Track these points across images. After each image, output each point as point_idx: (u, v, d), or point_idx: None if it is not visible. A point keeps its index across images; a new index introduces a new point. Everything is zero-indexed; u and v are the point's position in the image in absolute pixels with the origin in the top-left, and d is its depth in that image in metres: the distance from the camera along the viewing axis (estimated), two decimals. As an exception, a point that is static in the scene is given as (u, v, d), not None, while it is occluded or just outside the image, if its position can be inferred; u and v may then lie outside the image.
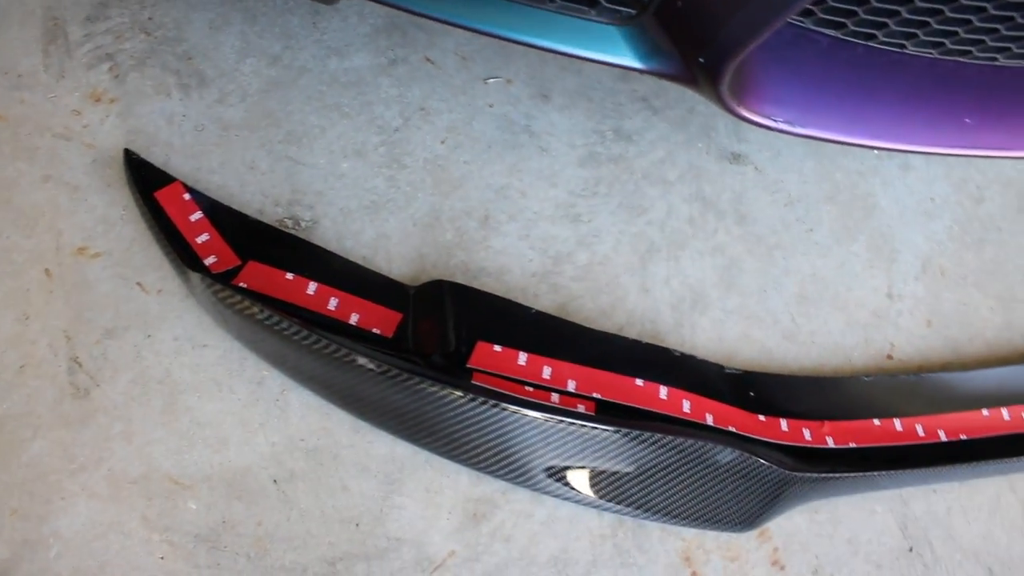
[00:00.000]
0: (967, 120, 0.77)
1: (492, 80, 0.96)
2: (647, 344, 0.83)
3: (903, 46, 0.72)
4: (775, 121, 0.71)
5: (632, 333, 0.87)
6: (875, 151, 0.98)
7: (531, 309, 0.83)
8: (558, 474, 0.77)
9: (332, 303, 0.81)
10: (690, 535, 0.82)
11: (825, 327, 0.90)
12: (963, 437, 0.87)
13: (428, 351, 0.79)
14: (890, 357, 0.91)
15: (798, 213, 0.94)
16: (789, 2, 0.57)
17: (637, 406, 0.79)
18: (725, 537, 0.82)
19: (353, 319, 0.80)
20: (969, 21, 0.67)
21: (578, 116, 0.95)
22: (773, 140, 0.96)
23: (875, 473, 0.82)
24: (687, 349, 0.86)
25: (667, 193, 0.92)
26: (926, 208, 0.98)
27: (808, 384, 0.86)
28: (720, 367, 0.85)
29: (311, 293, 0.81)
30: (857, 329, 0.91)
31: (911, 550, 0.86)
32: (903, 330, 0.92)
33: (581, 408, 0.77)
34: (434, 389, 0.73)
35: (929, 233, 0.98)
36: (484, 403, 0.73)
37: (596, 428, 0.75)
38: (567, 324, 0.83)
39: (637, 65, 0.67)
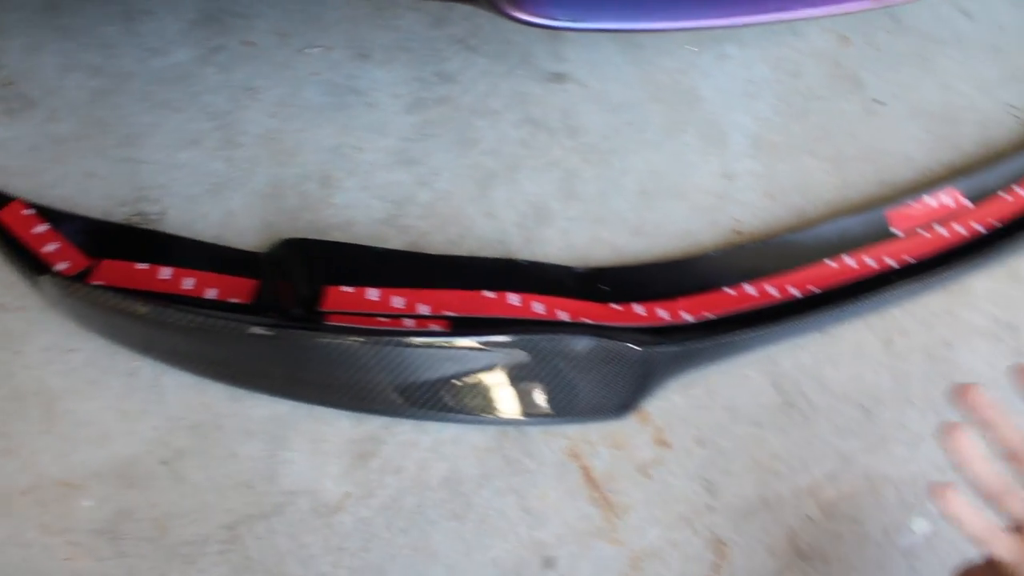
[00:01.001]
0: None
1: (312, 50, 1.04)
2: (492, 259, 0.91)
3: None
4: (558, 20, 0.79)
5: (486, 256, 0.94)
6: (693, 49, 1.07)
7: (375, 248, 0.90)
8: (428, 397, 0.83)
9: (188, 283, 0.88)
10: (573, 432, 0.89)
11: (670, 217, 0.99)
12: (814, 289, 0.95)
13: (286, 307, 0.86)
14: (737, 232, 1.00)
15: (626, 117, 1.03)
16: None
17: (489, 316, 0.85)
18: (607, 427, 0.90)
19: (211, 294, 0.87)
20: None
21: (399, 68, 1.04)
22: (592, 54, 1.05)
23: (733, 336, 0.89)
24: (551, 263, 0.96)
25: (496, 122, 1.00)
26: (748, 91, 1.08)
27: (657, 269, 0.94)
28: (569, 268, 0.93)
29: (166, 278, 0.88)
30: (701, 213, 1.00)
31: (787, 404, 0.94)
32: (746, 206, 1.01)
33: (435, 328, 0.83)
34: (289, 337, 0.79)
35: (755, 113, 1.07)
36: (339, 340, 0.80)
37: (450, 344, 0.81)
38: (412, 255, 0.91)
39: None
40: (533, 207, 0.98)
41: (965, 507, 0.64)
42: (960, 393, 0.63)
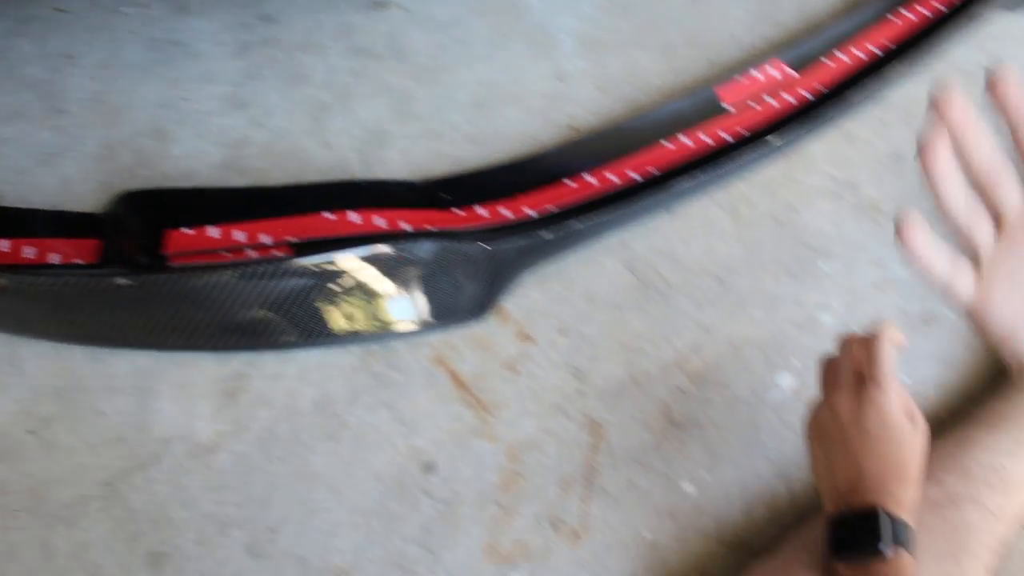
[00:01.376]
0: None
1: (128, 9, 1.05)
2: (331, 182, 0.93)
3: None
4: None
5: (331, 189, 0.96)
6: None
7: (211, 188, 0.92)
8: (285, 325, 0.85)
9: (29, 252, 0.88)
10: (436, 340, 0.93)
11: (506, 123, 1.02)
12: (654, 171, 0.99)
13: (131, 258, 0.87)
14: (573, 129, 1.04)
15: (453, 35, 1.06)
16: None
17: (331, 236, 0.87)
18: (469, 331, 0.93)
19: (54, 259, 0.87)
20: None
21: (220, 16, 1.05)
22: (411, -22, 1.08)
23: (577, 223, 0.92)
24: (390, 179, 1.00)
25: (324, 56, 1.03)
26: (570, -6, 1.11)
27: (496, 171, 0.98)
28: (410, 182, 0.95)
29: (5, 250, 0.87)
30: (536, 115, 1.04)
31: (644, 284, 0.98)
32: (579, 103, 1.05)
33: (278, 255, 0.85)
34: (130, 282, 0.80)
35: (580, 15, 1.11)
36: (182, 278, 0.82)
37: (296, 266, 0.83)
38: (249, 189, 0.93)
39: None
40: (370, 132, 1.01)
41: (927, 244, 0.73)
42: (938, 104, 0.70)
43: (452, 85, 1.05)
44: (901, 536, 0.70)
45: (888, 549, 0.69)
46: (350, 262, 0.87)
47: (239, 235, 0.88)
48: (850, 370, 0.78)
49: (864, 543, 0.71)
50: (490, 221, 0.94)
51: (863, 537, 0.71)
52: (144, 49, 1.04)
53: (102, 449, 0.84)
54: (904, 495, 0.73)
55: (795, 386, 0.98)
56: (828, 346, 0.95)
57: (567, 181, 0.99)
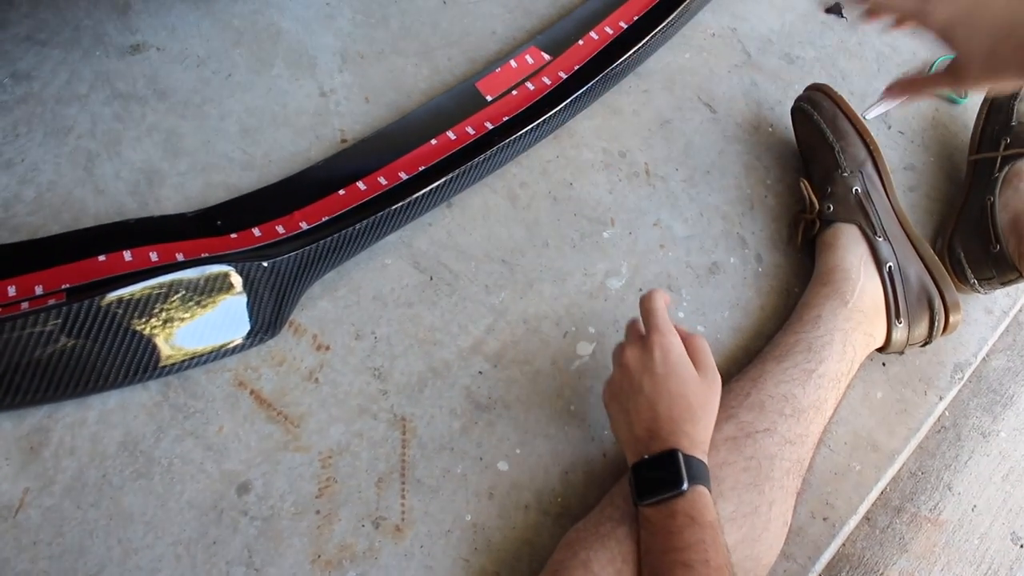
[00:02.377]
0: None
1: None
2: (102, 225, 0.98)
3: None
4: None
5: (103, 232, 1.01)
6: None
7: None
8: (70, 370, 0.89)
9: None
10: (233, 363, 0.98)
11: (276, 145, 1.09)
12: (422, 168, 1.06)
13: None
14: (344, 140, 1.11)
15: (213, 67, 1.12)
16: None
17: (103, 278, 0.92)
18: (265, 349, 0.99)
19: None
20: None
21: (-28, 81, 1.08)
22: (164, 19, 1.14)
23: (350, 228, 0.98)
24: (162, 215, 1.05)
25: (85, 105, 1.07)
26: (325, 13, 1.19)
27: (268, 191, 1.04)
28: (182, 214, 1.01)
29: None
30: (305, 132, 1.11)
31: (431, 279, 1.05)
32: (346, 115, 1.13)
33: (52, 302, 0.89)
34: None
35: (336, 31, 1.19)
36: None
37: (71, 312, 0.87)
38: (20, 244, 0.97)
39: None
40: (142, 173, 1.06)
41: None
42: None
43: (218, 116, 1.11)
44: (695, 472, 0.80)
45: (684, 485, 0.78)
46: (126, 298, 0.92)
47: (11, 290, 0.92)
48: (634, 331, 0.92)
49: (663, 483, 0.80)
50: (267, 239, 0.99)
51: (662, 478, 0.81)
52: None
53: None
54: (697, 434, 0.83)
55: (594, 351, 1.06)
56: (621, 309, 1.05)
57: (339, 192, 1.04)
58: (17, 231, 1.03)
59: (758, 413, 0.94)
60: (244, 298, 0.97)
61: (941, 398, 1.13)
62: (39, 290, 0.93)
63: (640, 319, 0.91)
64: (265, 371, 0.99)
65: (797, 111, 1.24)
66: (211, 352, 0.98)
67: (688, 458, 0.79)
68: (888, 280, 1.07)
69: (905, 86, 0.98)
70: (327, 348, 1.02)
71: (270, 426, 0.96)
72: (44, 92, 1.11)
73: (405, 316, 1.05)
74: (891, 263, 1.08)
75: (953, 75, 0.91)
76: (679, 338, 0.88)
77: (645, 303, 0.89)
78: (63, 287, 0.93)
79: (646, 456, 0.81)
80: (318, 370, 1.00)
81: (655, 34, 1.25)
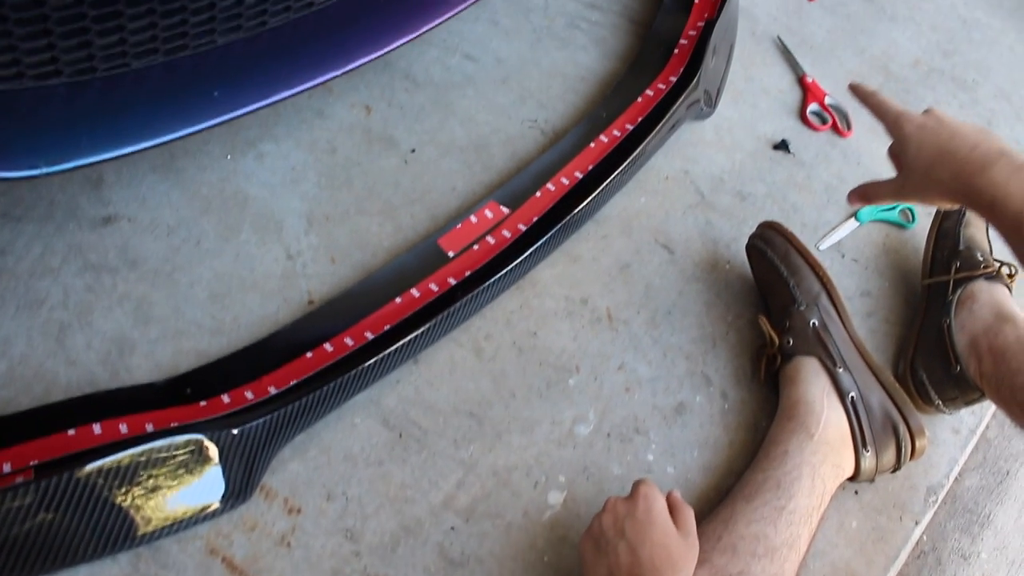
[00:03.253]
0: (215, 93, 1.01)
1: None
2: (70, 399, 1.01)
3: (127, 66, 0.95)
4: (39, 169, 0.91)
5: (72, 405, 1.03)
6: (227, 156, 1.23)
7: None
8: (45, 548, 0.90)
9: None
10: (205, 530, 1.00)
11: (245, 309, 1.13)
12: (387, 327, 1.10)
13: None
14: (311, 302, 1.15)
15: (182, 236, 1.17)
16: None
17: (71, 453, 0.94)
18: (236, 514, 1.01)
19: None
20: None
21: (-54, 257, 1.12)
22: (135, 191, 1.19)
23: (318, 391, 1.02)
24: (131, 385, 1.09)
25: (58, 278, 1.11)
26: (291, 178, 1.25)
27: (235, 358, 1.07)
28: (151, 383, 1.03)
29: None
30: (273, 296, 1.15)
31: (401, 436, 1.08)
32: (313, 277, 1.17)
33: (20, 479, 0.91)
34: None
35: (302, 194, 1.24)
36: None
37: (42, 488, 0.89)
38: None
39: None
40: (113, 343, 1.09)
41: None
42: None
43: (187, 283, 1.15)
44: None
45: None
46: (95, 472, 0.94)
47: (-17, 470, 0.94)
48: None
49: None
50: (235, 406, 1.02)
51: None
52: None
53: None
54: None
55: (565, 500, 1.08)
56: (590, 456, 1.07)
57: (307, 354, 1.07)
58: (-10, 407, 1.05)
59: (731, 556, 0.96)
60: (216, 465, 0.99)
61: (917, 523, 1.15)
62: (7, 468, 0.95)
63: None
64: (237, 537, 1.01)
65: (751, 249, 1.29)
66: (183, 520, 1.00)
67: None
68: (851, 410, 1.10)
69: (860, 192, 1.11)
70: (299, 511, 1.03)
71: (243, 595, 0.97)
72: (18, 267, 1.14)
73: (376, 475, 1.07)
74: (853, 393, 1.12)
75: (896, 186, 1.05)
76: (663, 497, 0.93)
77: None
78: (31, 464, 0.95)
79: None
80: (290, 534, 1.02)
81: (610, 182, 1.31)
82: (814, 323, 1.16)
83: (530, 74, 1.52)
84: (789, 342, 1.16)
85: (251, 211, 1.24)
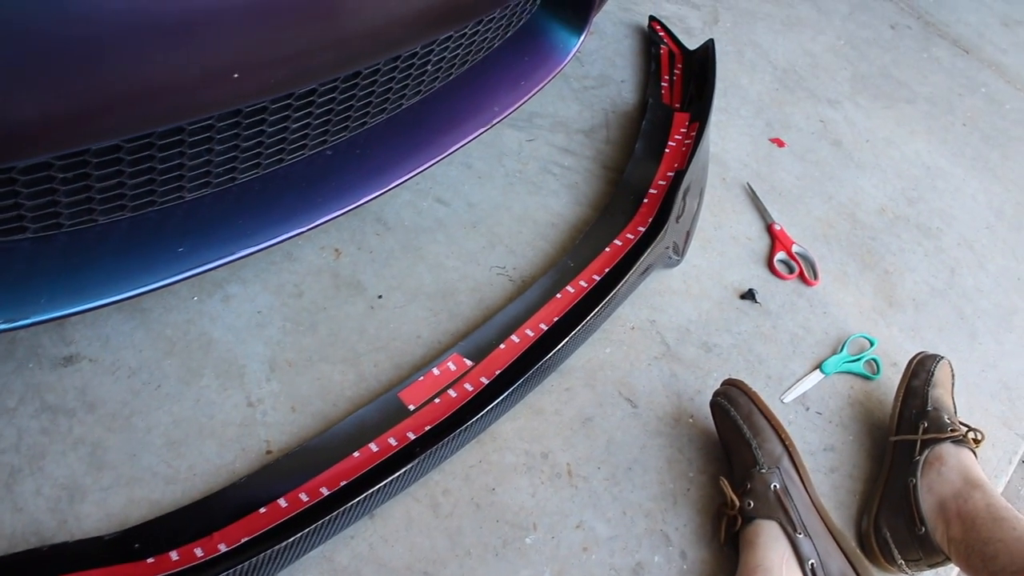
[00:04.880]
0: (180, 249, 1.04)
1: None
2: (12, 555, 1.00)
3: (94, 221, 0.98)
4: (-6, 326, 0.93)
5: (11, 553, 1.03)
6: (194, 298, 1.25)
7: None
8: None
9: None
10: None
11: (201, 458, 1.14)
12: (343, 483, 1.11)
13: None
14: (269, 452, 1.16)
15: (143, 378, 1.18)
16: None
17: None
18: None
19: None
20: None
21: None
22: (99, 330, 1.20)
23: (268, 551, 1.02)
24: (78, 539, 1.08)
25: (13, 419, 1.12)
26: (256, 321, 1.27)
27: (187, 512, 1.08)
28: (100, 537, 1.04)
29: None
30: (231, 444, 1.15)
31: (350, 598, 1.08)
32: (272, 425, 1.18)
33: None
34: None
35: (267, 339, 1.26)
36: None
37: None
38: None
39: None
40: (64, 489, 1.09)
41: None
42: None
43: (144, 428, 1.16)
44: None
45: None
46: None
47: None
48: None
49: None
50: (183, 564, 1.02)
51: None
52: None
53: None
54: None
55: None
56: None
57: (261, 509, 1.08)
58: (-73, 558, 1.04)
59: None
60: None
61: None
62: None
63: None
64: None
65: (715, 406, 1.32)
66: None
67: None
68: None
69: None
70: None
71: None
72: (-29, 408, 1.15)
73: (323, 640, 1.06)
74: (813, 560, 1.13)
75: None
76: None
77: None
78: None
79: None
80: None
81: (575, 334, 1.33)
82: (775, 486, 1.18)
83: (501, 219, 1.55)
84: (749, 504, 1.18)
85: (214, 355, 1.25)
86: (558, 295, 1.40)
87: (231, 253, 1.08)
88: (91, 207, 0.97)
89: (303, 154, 1.15)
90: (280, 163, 1.13)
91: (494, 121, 1.31)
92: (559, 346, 1.31)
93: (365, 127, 1.20)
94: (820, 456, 1.37)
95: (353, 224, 1.44)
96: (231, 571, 1.02)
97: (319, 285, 1.36)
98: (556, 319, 1.37)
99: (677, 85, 1.86)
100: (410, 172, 1.23)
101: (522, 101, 1.35)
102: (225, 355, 1.26)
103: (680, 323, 1.50)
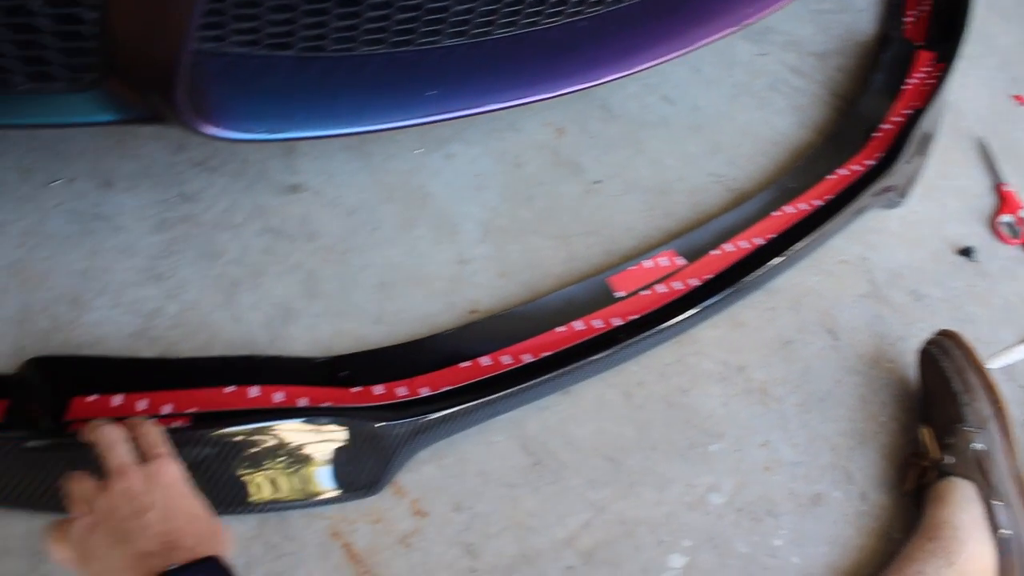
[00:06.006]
0: (431, 92, 1.05)
1: (55, 183, 1.18)
2: (233, 356, 1.05)
3: (355, 50, 1.00)
4: (254, 133, 0.96)
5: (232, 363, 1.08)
6: (417, 151, 1.27)
7: (117, 357, 1.03)
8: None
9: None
10: (332, 512, 1.03)
11: (409, 304, 1.16)
12: (545, 354, 1.12)
13: (36, 424, 0.96)
14: (474, 311, 1.18)
15: (361, 218, 1.21)
16: (185, 28, 0.82)
17: (229, 410, 0.98)
18: (364, 504, 1.04)
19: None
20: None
21: (143, 193, 1.19)
22: (324, 165, 1.23)
23: (469, 403, 1.04)
24: (289, 356, 1.12)
25: (239, 234, 1.16)
26: (475, 184, 1.28)
27: (394, 351, 1.11)
28: (309, 359, 1.07)
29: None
30: (438, 297, 1.18)
31: (537, 464, 1.10)
32: (480, 287, 1.20)
33: (178, 424, 0.95)
34: (34, 447, 0.90)
35: (483, 203, 1.27)
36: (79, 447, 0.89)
37: (194, 436, 0.93)
38: (154, 361, 1.05)
39: (112, 118, 0.90)
40: (278, 308, 1.13)
41: None
42: None
43: (358, 266, 1.19)
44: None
45: None
46: (248, 434, 0.97)
47: (141, 404, 0.98)
48: (128, 455, 0.86)
49: None
50: (386, 399, 1.05)
51: None
52: (68, 220, 1.17)
53: (-11, 612, 0.90)
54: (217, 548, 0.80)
55: (686, 566, 1.08)
56: (719, 527, 1.06)
57: (463, 363, 1.10)
58: (154, 343, 1.10)
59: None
60: (354, 451, 1.02)
61: None
62: (167, 409, 0.99)
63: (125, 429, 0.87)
64: (361, 526, 1.02)
65: (925, 355, 1.26)
66: (312, 499, 1.03)
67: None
68: (1004, 549, 1.06)
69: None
70: (425, 514, 1.05)
71: (355, 584, 0.98)
72: (204, 216, 1.19)
73: (506, 496, 1.08)
74: (1009, 531, 1.08)
75: None
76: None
77: (146, 430, 0.87)
78: (190, 411, 0.98)
79: (176, 566, 0.72)
80: (412, 535, 1.03)
81: (789, 254, 1.29)
82: (978, 447, 1.13)
83: (723, 128, 1.51)
84: (948, 459, 1.13)
85: (431, 208, 1.27)
86: (776, 213, 1.36)
87: (477, 105, 1.08)
88: (355, 35, 0.98)
89: (558, 20, 1.13)
90: (534, 25, 1.12)
91: (746, 22, 1.28)
92: (771, 263, 1.28)
93: (621, 3, 1.17)
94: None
95: (578, 106, 1.42)
96: (430, 415, 1.04)
97: (539, 159, 1.35)
98: (772, 236, 1.33)
99: (922, 21, 1.76)
100: (658, 59, 1.21)
101: (777, 6, 1.30)
102: (441, 211, 1.27)
103: (892, 266, 1.44)
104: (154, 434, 0.88)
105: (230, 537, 0.82)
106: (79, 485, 0.82)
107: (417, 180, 1.28)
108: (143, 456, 0.85)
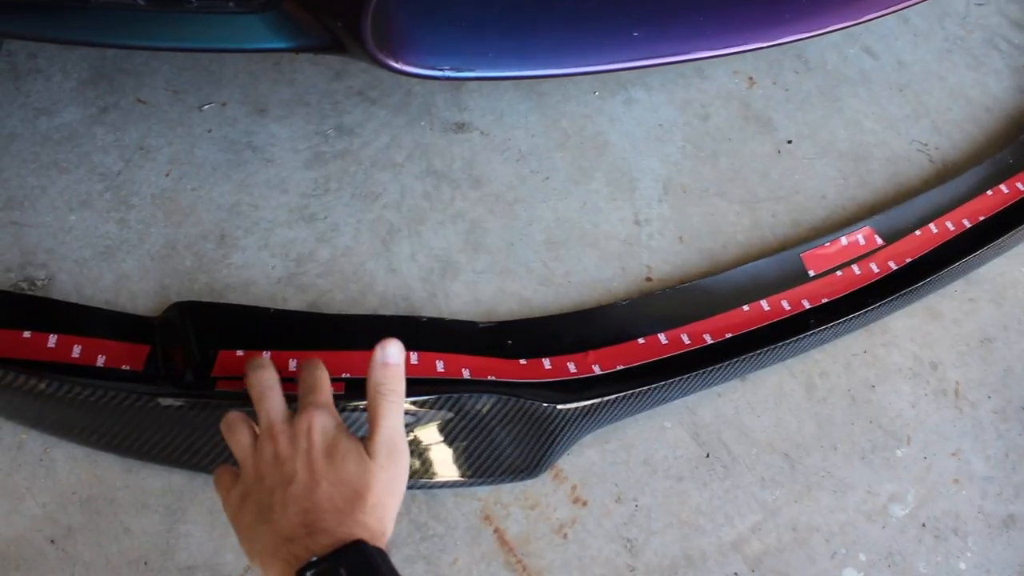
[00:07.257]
0: (635, 34, 0.93)
1: (207, 106, 1.10)
2: (391, 316, 0.97)
3: None
4: (441, 70, 0.86)
5: (386, 314, 0.99)
6: (595, 93, 1.15)
7: (269, 309, 0.95)
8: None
9: (76, 351, 0.92)
10: (484, 493, 0.95)
11: (579, 265, 1.06)
12: (729, 336, 1.01)
13: (179, 374, 0.89)
14: (649, 279, 1.07)
15: (532, 165, 1.10)
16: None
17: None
18: (520, 487, 0.95)
19: (100, 361, 0.91)
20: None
21: (298, 122, 1.10)
22: (494, 103, 1.12)
23: (645, 388, 0.94)
24: (444, 316, 1.04)
25: (398, 175, 1.07)
26: (656, 135, 1.16)
27: (565, 320, 1.01)
28: (473, 323, 0.99)
29: (52, 346, 0.91)
30: (611, 260, 1.07)
31: (708, 456, 1.00)
32: (657, 251, 1.08)
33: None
34: (178, 404, 0.83)
35: (664, 156, 1.15)
36: (226, 404, 0.84)
37: (345, 407, 0.85)
38: (307, 315, 0.97)
39: (285, 45, 0.81)
40: (438, 261, 1.04)
41: None
42: None
43: (527, 219, 1.09)
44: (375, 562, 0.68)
45: None
46: (408, 407, 0.89)
47: (292, 364, 0.91)
48: (277, 409, 0.78)
49: None
50: (555, 375, 0.96)
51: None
52: (219, 149, 1.09)
53: (123, 570, 0.87)
54: (370, 521, 0.71)
55: (861, 583, 0.98)
56: (899, 542, 0.95)
57: (639, 340, 1.00)
58: (304, 290, 1.02)
59: None
60: (519, 431, 0.95)
61: None
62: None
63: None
64: (515, 511, 0.95)
65: None
66: (469, 480, 0.96)
67: (372, 550, 0.67)
68: None
69: None
70: (584, 503, 0.97)
71: (506, 573, 0.92)
72: (362, 152, 1.10)
73: (672, 490, 0.99)
74: None
75: None
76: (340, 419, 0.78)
77: (311, 372, 0.80)
78: (344, 376, 0.91)
79: (316, 558, 0.66)
80: (569, 525, 0.96)
81: (1000, 241, 1.15)
82: None
83: (931, 88, 1.36)
84: None
85: (607, 159, 1.16)
86: (989, 192, 1.22)
87: (685, 52, 0.97)
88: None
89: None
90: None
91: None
92: (981, 248, 1.14)
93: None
94: None
95: (772, 54, 1.29)
96: (601, 398, 0.97)
97: (727, 112, 1.22)
98: (982, 218, 1.18)
99: None
100: (882, 10, 1.05)
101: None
102: (619, 162, 1.16)
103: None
104: (311, 378, 0.80)
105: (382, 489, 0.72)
106: (237, 441, 0.77)
107: (594, 127, 1.16)
108: (299, 401, 0.77)
